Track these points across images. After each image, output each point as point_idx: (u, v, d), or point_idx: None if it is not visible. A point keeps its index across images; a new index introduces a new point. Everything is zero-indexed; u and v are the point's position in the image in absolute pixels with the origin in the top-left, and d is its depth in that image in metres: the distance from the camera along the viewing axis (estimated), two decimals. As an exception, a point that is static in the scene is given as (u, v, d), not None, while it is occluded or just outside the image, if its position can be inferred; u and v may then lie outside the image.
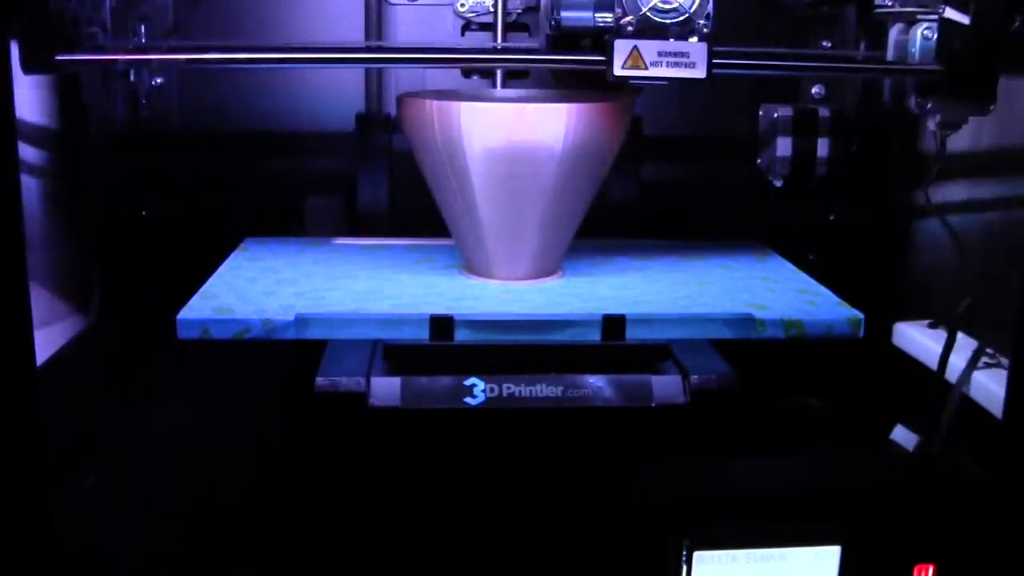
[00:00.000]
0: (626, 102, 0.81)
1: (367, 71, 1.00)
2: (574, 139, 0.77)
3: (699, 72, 0.69)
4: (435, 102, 0.78)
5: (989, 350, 0.79)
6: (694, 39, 0.69)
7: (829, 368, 0.84)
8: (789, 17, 0.97)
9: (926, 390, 0.77)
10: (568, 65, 0.78)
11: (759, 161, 1.00)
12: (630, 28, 0.68)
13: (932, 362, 0.79)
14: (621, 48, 0.68)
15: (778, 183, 0.98)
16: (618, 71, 0.69)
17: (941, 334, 0.80)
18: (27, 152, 0.85)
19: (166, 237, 1.00)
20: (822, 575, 0.59)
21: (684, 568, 0.58)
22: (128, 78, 0.92)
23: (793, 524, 0.59)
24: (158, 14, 0.92)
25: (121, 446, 0.73)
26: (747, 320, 0.75)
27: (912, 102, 0.75)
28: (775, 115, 0.96)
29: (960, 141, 0.83)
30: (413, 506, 0.65)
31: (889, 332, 0.90)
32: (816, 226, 1.04)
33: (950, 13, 0.71)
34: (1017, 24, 0.70)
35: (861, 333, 0.76)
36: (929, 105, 0.74)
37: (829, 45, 0.90)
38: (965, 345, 0.80)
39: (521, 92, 0.88)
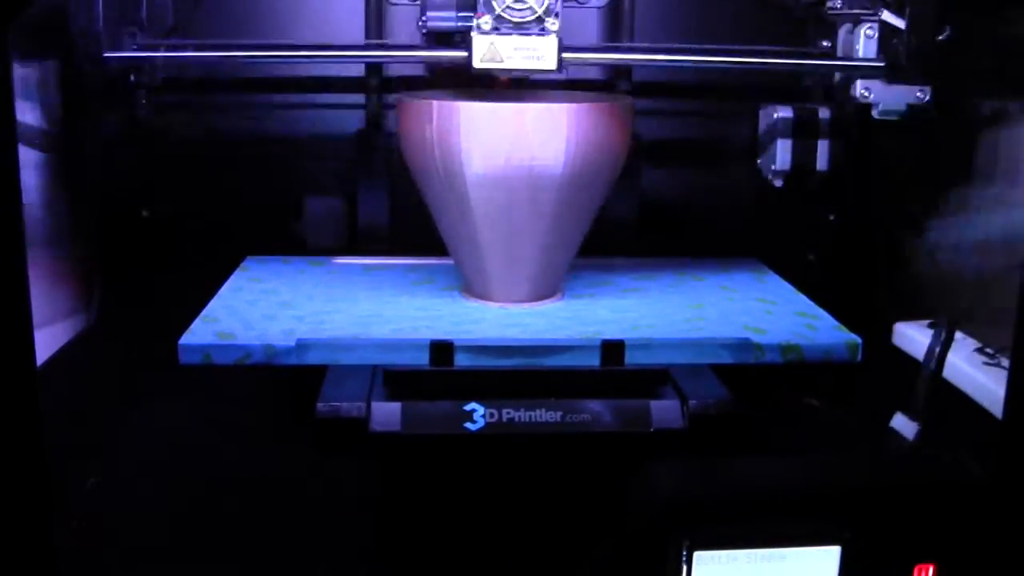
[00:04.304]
0: (627, 104, 0.81)
1: (367, 81, 1.00)
2: (577, 144, 0.77)
3: (549, 64, 0.78)
4: (434, 102, 0.78)
5: (989, 350, 0.79)
6: (545, 36, 0.78)
7: (828, 368, 0.84)
8: (789, 17, 0.97)
9: (925, 390, 0.77)
10: (434, 59, 0.89)
11: (759, 162, 1.00)
12: (486, 26, 0.77)
13: (932, 362, 0.79)
14: (480, 43, 0.77)
15: (778, 183, 0.98)
16: (478, 64, 0.78)
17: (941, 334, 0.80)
18: (28, 152, 0.85)
19: (166, 237, 1.00)
20: (822, 575, 0.59)
21: (684, 568, 0.58)
22: (129, 78, 0.92)
23: (793, 524, 0.59)
24: (158, 14, 0.92)
25: (121, 446, 0.73)
26: (745, 345, 0.76)
27: (857, 92, 0.85)
28: (774, 116, 0.96)
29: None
30: (414, 530, 0.65)
31: (889, 332, 0.90)
32: (816, 226, 1.04)
33: (887, 16, 0.82)
34: (947, 34, 0.80)
35: (859, 357, 0.77)
36: (871, 95, 0.84)
37: (829, 45, 0.90)
38: (965, 345, 0.80)
39: (522, 94, 0.88)
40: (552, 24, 0.77)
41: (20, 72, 0.84)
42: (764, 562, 0.58)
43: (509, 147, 0.76)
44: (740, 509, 0.60)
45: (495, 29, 0.77)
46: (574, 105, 0.77)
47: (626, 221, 0.99)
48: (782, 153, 0.96)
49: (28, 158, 0.85)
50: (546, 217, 0.79)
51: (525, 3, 0.76)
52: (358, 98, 1.01)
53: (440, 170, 0.78)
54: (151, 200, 1.00)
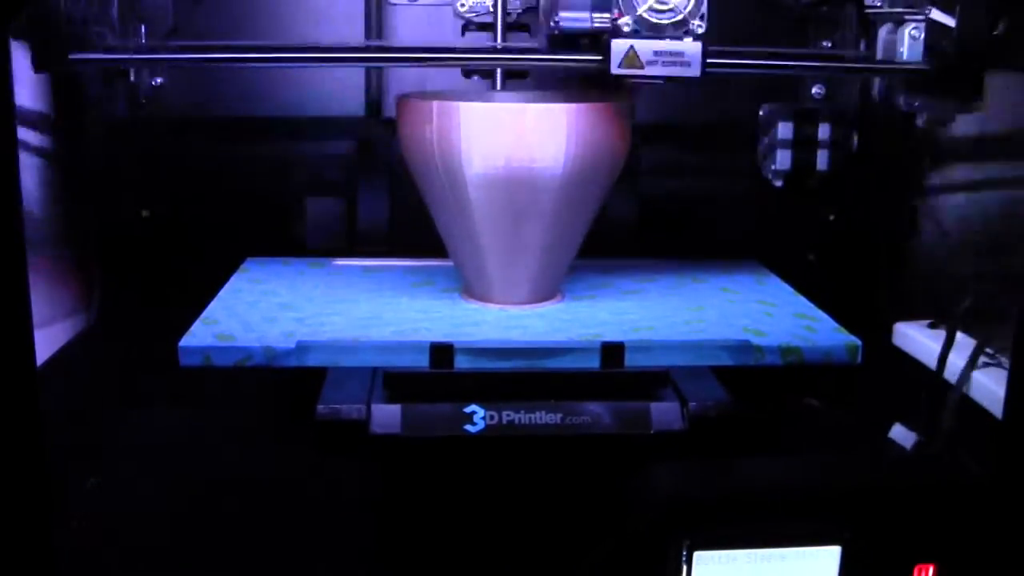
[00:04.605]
0: (626, 105, 0.81)
1: (367, 79, 1.00)
2: (577, 144, 0.76)
3: (694, 71, 0.71)
4: (434, 102, 0.78)
5: (989, 350, 0.79)
6: (689, 39, 0.71)
7: (829, 368, 0.85)
8: (789, 17, 0.97)
9: (926, 390, 0.77)
10: (566, 64, 0.79)
11: (759, 162, 1.00)
12: (626, 28, 0.71)
13: (932, 362, 0.79)
14: (618, 48, 0.71)
15: (778, 184, 0.98)
16: (615, 70, 0.71)
17: (941, 334, 0.81)
18: (28, 152, 0.85)
19: (166, 237, 1.00)
20: (822, 575, 0.59)
21: (684, 568, 0.58)
22: (128, 78, 0.92)
23: (793, 524, 0.59)
24: (158, 14, 0.92)
25: (121, 446, 0.73)
26: (745, 347, 0.76)
27: (900, 100, 0.78)
28: (775, 115, 0.96)
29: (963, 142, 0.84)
30: (414, 532, 0.65)
31: (889, 332, 0.90)
32: (816, 226, 1.04)
33: (936, 14, 0.74)
34: (1001, 29, 0.73)
35: (859, 360, 0.77)
36: (916, 103, 0.78)
37: (829, 45, 0.90)
38: (965, 345, 0.80)
39: (521, 95, 0.88)
40: (698, 27, 0.71)
41: (20, 72, 0.84)
42: (764, 562, 0.58)
43: (509, 147, 0.76)
44: (740, 509, 0.60)
45: (635, 32, 0.71)
46: (574, 105, 0.77)
47: (626, 222, 0.99)
48: (782, 153, 0.96)
49: (28, 158, 0.85)
50: (546, 218, 0.79)
51: (667, 3, 0.71)
52: (358, 98, 1.01)
53: (440, 171, 0.78)
54: (151, 200, 1.00)
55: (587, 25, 0.75)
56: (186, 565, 0.61)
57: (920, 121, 0.80)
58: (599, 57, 0.72)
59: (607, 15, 0.72)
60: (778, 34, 0.97)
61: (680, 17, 0.71)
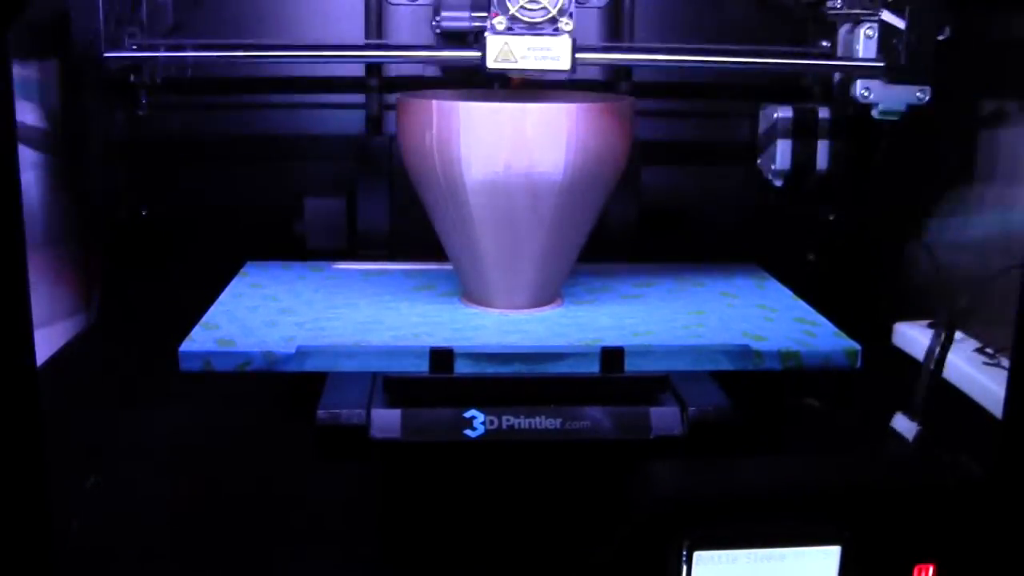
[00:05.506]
0: (627, 105, 0.81)
1: (367, 83, 1.00)
2: (577, 145, 0.76)
3: (563, 64, 0.78)
4: (434, 102, 0.78)
5: (989, 350, 0.80)
6: (561, 36, 0.77)
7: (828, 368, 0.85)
8: (789, 17, 0.97)
9: (925, 391, 0.77)
10: (449, 60, 0.89)
11: (759, 162, 1.00)
12: (500, 27, 0.77)
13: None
14: (494, 44, 0.77)
15: (778, 183, 0.98)
16: (491, 64, 0.78)
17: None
18: (28, 152, 0.85)
19: (166, 238, 1.00)
20: (822, 575, 0.59)
21: (684, 568, 0.58)
22: (129, 77, 0.92)
23: (793, 524, 0.59)
24: (158, 14, 0.92)
25: (121, 447, 0.73)
26: (745, 352, 0.76)
27: (856, 92, 0.84)
28: (774, 116, 0.96)
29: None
30: (414, 536, 0.65)
31: (889, 332, 0.90)
32: (816, 226, 1.04)
33: (887, 16, 0.81)
34: (947, 34, 0.80)
35: (858, 364, 0.77)
36: (871, 95, 0.83)
37: (829, 45, 0.91)
38: (965, 345, 0.80)
39: (521, 95, 0.88)
40: (566, 24, 0.77)
41: (20, 72, 0.84)
42: (764, 562, 0.58)
43: (509, 148, 0.76)
44: (740, 509, 0.60)
45: (509, 29, 0.77)
46: (574, 105, 0.77)
47: (626, 223, 0.99)
48: (782, 153, 0.96)
49: (28, 158, 0.85)
50: (546, 222, 0.79)
51: (539, 3, 0.76)
52: (359, 99, 1.01)
53: (439, 173, 0.78)
54: (151, 200, 1.00)
55: (467, 24, 0.82)
56: (185, 567, 0.61)
57: (875, 112, 0.84)
58: (479, 52, 0.78)
59: (485, 14, 0.78)
60: (777, 34, 0.97)
61: (550, 15, 0.77)
